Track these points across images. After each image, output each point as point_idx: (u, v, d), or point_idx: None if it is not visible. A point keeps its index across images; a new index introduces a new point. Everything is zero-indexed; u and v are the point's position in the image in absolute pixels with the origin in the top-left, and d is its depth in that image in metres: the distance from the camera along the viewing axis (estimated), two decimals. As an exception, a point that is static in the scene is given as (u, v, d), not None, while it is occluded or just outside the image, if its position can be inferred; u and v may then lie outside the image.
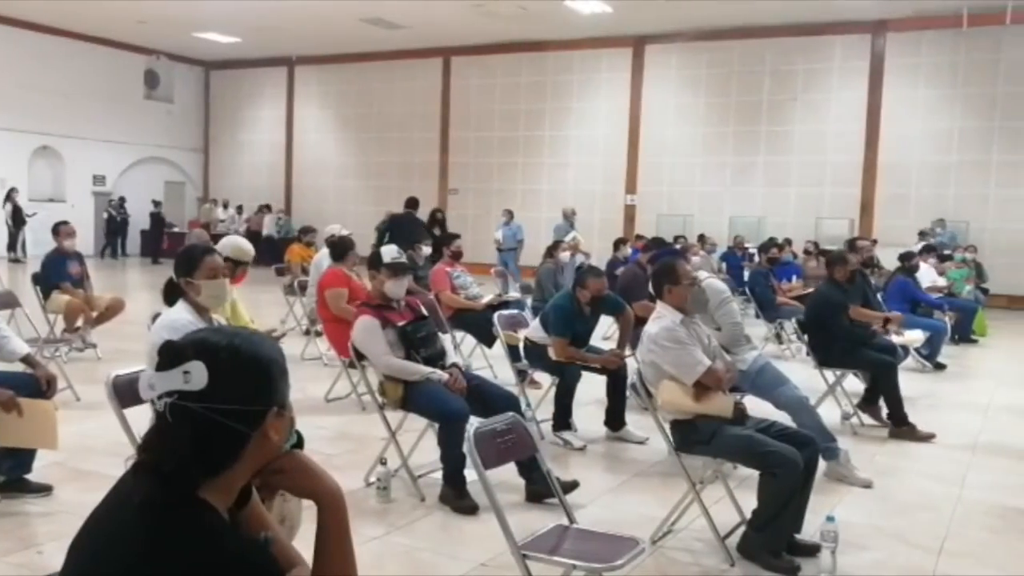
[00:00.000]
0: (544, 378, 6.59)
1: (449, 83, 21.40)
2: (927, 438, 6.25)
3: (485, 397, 4.73)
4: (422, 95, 21.59)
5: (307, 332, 9.08)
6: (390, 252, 4.99)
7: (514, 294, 9.52)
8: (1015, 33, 15.46)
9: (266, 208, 22.88)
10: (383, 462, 4.67)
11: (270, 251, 17.98)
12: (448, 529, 4.29)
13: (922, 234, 15.04)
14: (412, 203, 12.85)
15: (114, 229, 22.22)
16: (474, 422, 3.03)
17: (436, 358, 4.82)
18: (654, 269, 4.64)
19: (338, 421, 6.29)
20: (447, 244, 8.87)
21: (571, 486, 4.52)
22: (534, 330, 6.23)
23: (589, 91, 19.73)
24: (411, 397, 4.65)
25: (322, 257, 8.75)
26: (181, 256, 3.75)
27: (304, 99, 23.67)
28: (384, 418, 4.82)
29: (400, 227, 12.17)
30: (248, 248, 5.97)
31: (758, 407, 4.77)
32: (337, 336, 6.73)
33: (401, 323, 4.80)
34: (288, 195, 24.00)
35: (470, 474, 4.56)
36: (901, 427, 6.33)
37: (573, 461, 5.57)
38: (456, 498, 4.48)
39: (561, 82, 19.99)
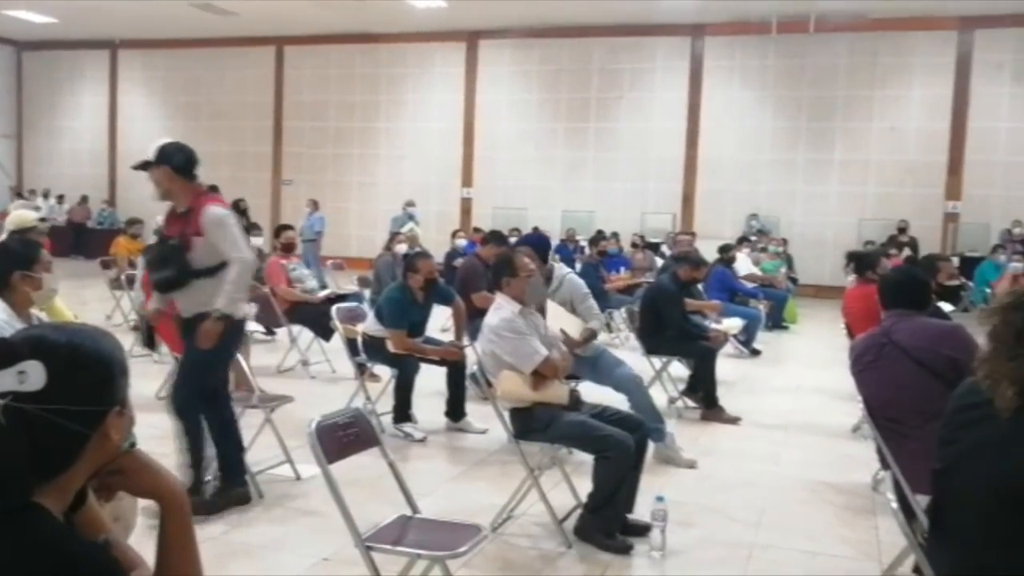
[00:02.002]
0: (384, 371, 6.58)
1: (282, 72, 20.87)
2: (733, 420, 6.68)
3: None
4: (254, 84, 20.94)
5: (136, 328, 8.68)
6: None
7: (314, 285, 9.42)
8: (818, 41, 16.64)
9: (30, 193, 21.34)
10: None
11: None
12: (289, 524, 4.24)
13: (760, 232, 15.91)
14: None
15: None
16: (317, 416, 3.00)
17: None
18: (493, 261, 4.74)
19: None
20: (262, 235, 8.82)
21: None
22: (371, 324, 6.21)
23: (424, 84, 19.73)
24: None
25: (150, 250, 8.38)
26: (13, 250, 3.41)
27: (129, 85, 22.43)
28: (219, 415, 4.69)
29: None
30: (31, 214, 5.66)
31: (593, 394, 4.96)
32: (169, 331, 6.46)
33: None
34: (113, 185, 22.69)
35: (306, 469, 4.53)
36: (711, 409, 6.76)
37: (414, 452, 5.61)
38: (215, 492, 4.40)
39: (396, 75, 19.89)
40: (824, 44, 16.70)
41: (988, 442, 2.22)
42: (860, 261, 6.87)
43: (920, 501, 3.34)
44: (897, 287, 3.97)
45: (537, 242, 5.90)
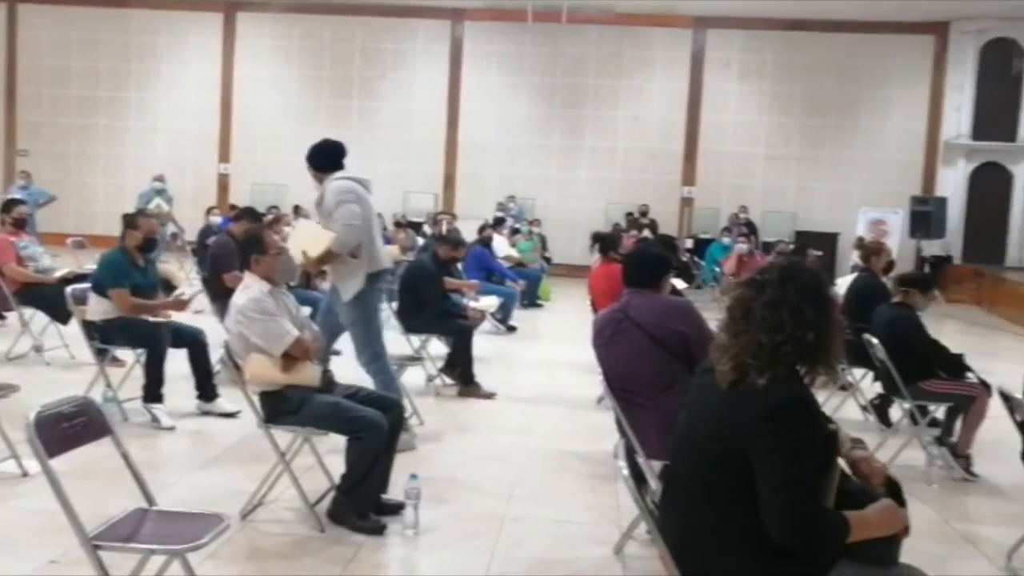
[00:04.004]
0: (127, 355, 6.18)
1: (15, 33, 18.91)
2: (489, 396, 6.88)
3: None
4: (-17, 45, 18.86)
5: None
6: None
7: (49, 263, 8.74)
8: (570, 31, 17.31)
9: None
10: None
11: None
12: (12, 526, 3.91)
13: (500, 205, 16.34)
14: None
15: None
16: (36, 406, 2.76)
17: None
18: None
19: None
20: None
21: None
22: (94, 305, 5.75)
23: (178, 55, 18.65)
24: None
25: None
26: None
27: None
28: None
29: None
30: None
31: (348, 373, 4.91)
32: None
33: None
34: None
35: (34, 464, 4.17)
36: (468, 385, 6.92)
37: (161, 441, 5.37)
38: None
39: (148, 43, 18.63)
40: (576, 35, 17.42)
41: (704, 409, 2.42)
42: (604, 242, 7.27)
43: (655, 467, 3.60)
44: (636, 265, 4.22)
45: None
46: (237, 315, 4.11)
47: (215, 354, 5.76)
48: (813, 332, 2.26)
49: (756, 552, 2.26)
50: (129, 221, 5.96)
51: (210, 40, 18.54)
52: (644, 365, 3.86)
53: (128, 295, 5.64)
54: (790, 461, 2.18)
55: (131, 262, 5.80)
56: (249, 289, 4.20)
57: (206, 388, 5.94)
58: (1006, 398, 4.00)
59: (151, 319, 5.83)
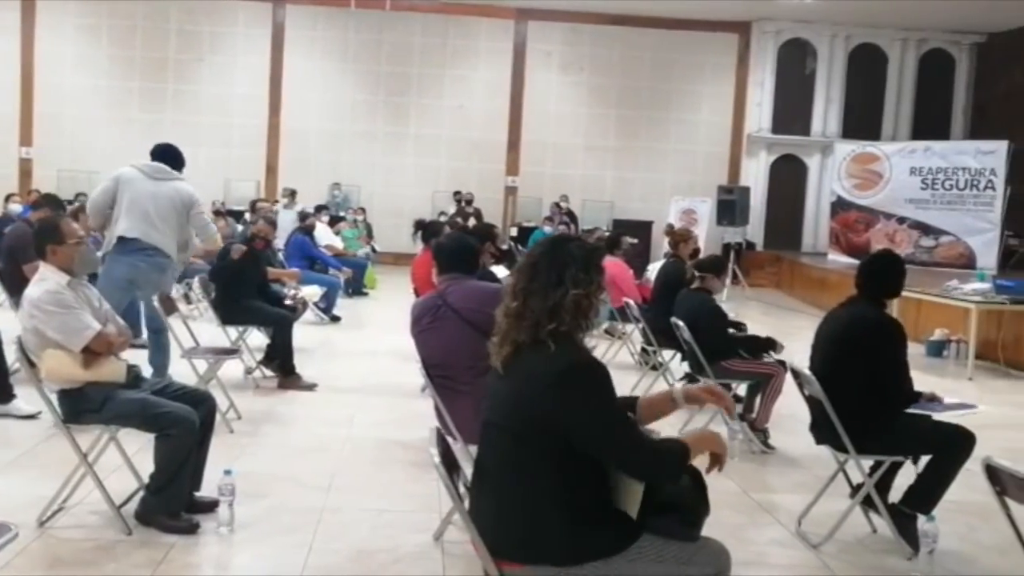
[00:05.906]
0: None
1: None
2: (310, 387, 6.78)
3: None
4: None
5: None
6: None
7: None
8: (394, 19, 17.23)
9: None
10: None
11: None
12: None
13: (292, 192, 15.69)
14: None
15: None
16: None
17: None
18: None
19: None
20: None
21: None
22: None
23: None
24: None
25: None
26: None
27: None
28: None
29: None
30: None
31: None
32: None
33: None
34: None
35: None
36: (288, 377, 6.78)
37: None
38: None
39: (-70, 14, 17.08)
40: (400, 22, 17.36)
41: (504, 392, 2.50)
42: (426, 229, 7.31)
43: (473, 452, 3.65)
44: (450, 253, 4.28)
45: None
46: (31, 308, 3.87)
47: (12, 352, 5.39)
48: (579, 291, 2.41)
49: (570, 523, 2.36)
50: None
51: (6, 14, 17.25)
52: (463, 351, 3.91)
53: None
54: (601, 409, 2.33)
55: None
56: (45, 281, 3.96)
57: (2, 388, 5.54)
58: (796, 374, 4.32)
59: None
